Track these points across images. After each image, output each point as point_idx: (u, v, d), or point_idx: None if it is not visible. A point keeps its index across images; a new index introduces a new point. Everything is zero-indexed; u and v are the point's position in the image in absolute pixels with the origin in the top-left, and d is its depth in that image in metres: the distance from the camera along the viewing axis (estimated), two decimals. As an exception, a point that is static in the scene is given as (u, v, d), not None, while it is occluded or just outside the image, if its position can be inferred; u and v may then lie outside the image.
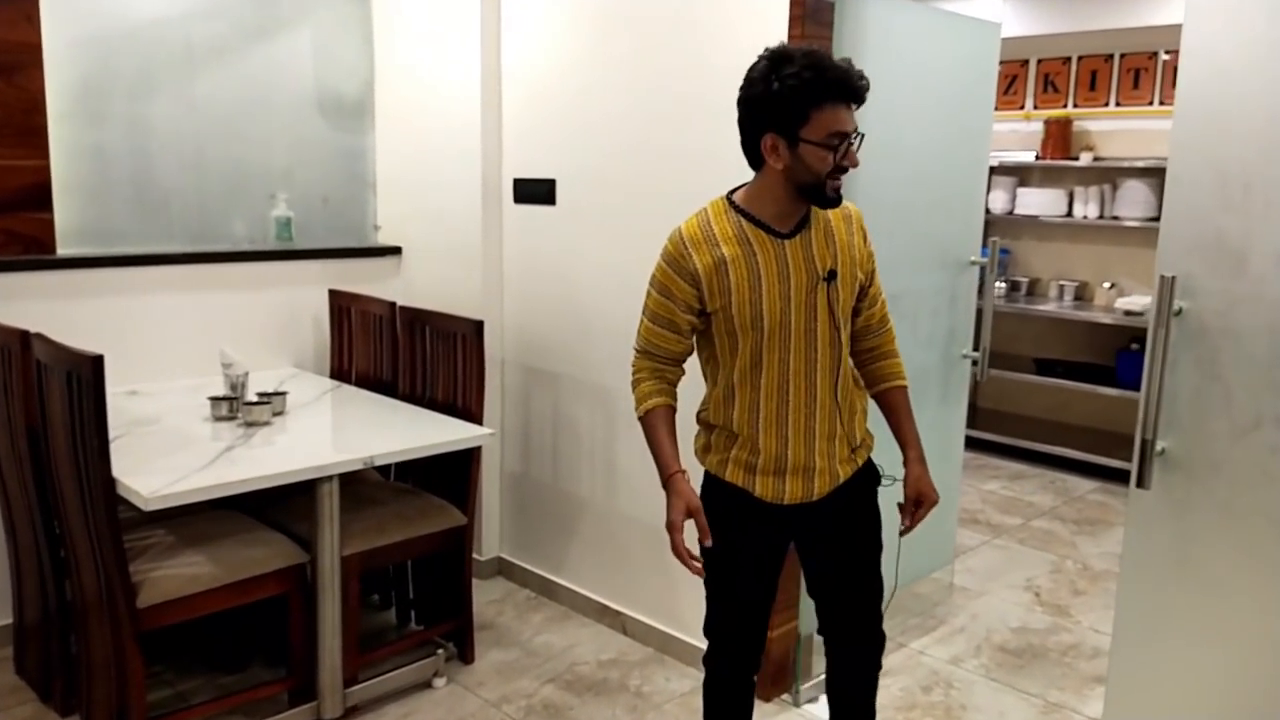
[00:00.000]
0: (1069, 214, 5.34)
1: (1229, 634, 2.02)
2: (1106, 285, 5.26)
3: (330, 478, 2.39)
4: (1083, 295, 5.45)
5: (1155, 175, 5.05)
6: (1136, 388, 4.85)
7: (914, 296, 2.92)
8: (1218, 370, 2.00)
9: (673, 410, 1.90)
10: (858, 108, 1.74)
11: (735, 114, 2.84)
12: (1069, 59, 5.41)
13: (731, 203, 1.84)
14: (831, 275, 1.80)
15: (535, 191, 3.28)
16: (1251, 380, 1.96)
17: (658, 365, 1.90)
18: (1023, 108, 5.61)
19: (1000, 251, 5.76)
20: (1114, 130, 5.29)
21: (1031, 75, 5.57)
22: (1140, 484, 2.09)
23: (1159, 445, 2.08)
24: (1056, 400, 5.51)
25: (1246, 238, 1.95)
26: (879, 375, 1.99)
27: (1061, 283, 5.46)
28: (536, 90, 3.23)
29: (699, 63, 2.75)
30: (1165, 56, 5.06)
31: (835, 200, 1.78)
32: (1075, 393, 5.19)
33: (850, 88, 1.70)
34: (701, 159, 2.78)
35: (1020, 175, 5.61)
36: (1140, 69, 5.15)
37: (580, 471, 3.29)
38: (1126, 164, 5.10)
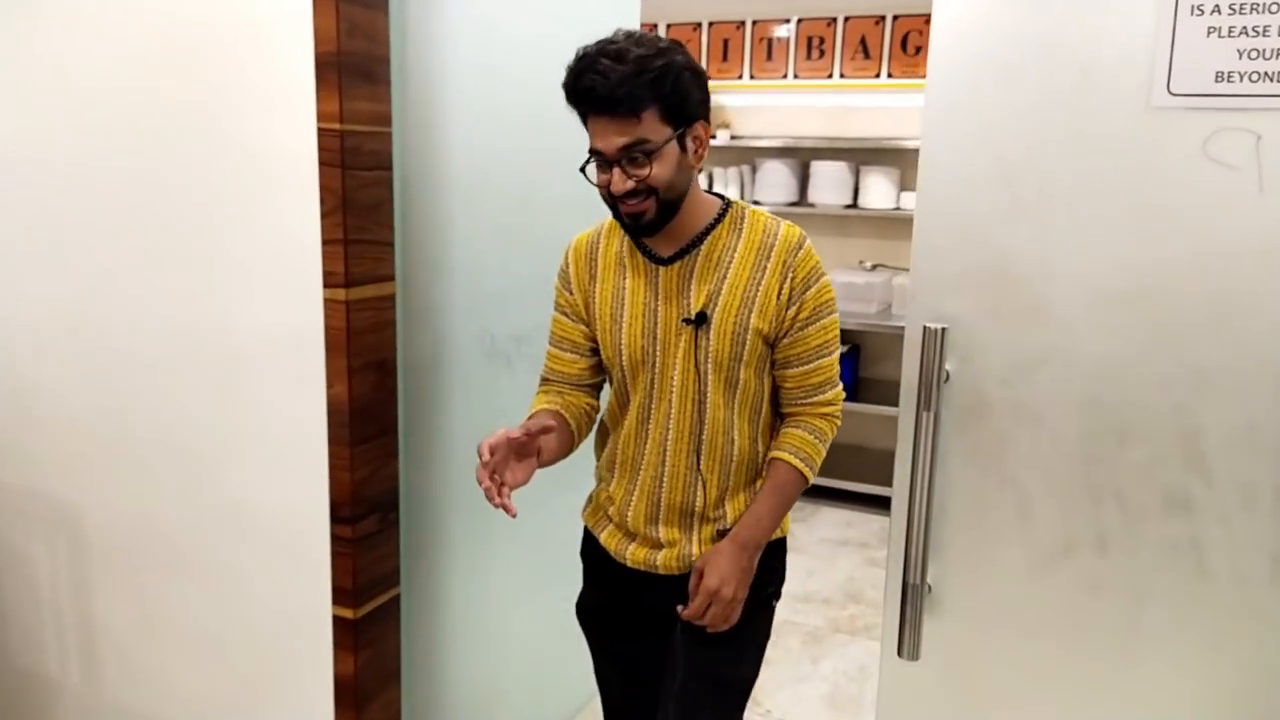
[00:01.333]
0: (710, 198, 4.82)
1: None
2: (752, 276, 4.81)
3: None
4: (728, 287, 4.97)
5: (793, 156, 4.66)
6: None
7: (543, 337, 2.02)
8: (1007, 468, 1.30)
9: (558, 414, 1.54)
10: (622, 117, 1.33)
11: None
12: (700, 25, 4.86)
13: None
14: (700, 318, 1.45)
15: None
16: (1060, 482, 1.27)
17: (551, 387, 1.61)
18: (655, 78, 4.99)
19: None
20: (749, 106, 4.84)
21: (662, 41, 4.96)
22: (903, 651, 1.35)
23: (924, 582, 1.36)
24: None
25: (1044, 263, 1.25)
26: (774, 444, 1.54)
27: (706, 274, 4.95)
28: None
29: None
30: (796, 25, 4.67)
31: (633, 229, 1.44)
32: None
33: (578, 97, 1.36)
34: (199, 118, 1.66)
35: (657, 154, 4.99)
36: (772, 39, 4.73)
37: (44, 638, 2.02)
38: (764, 143, 4.66)
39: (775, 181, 4.64)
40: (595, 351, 1.56)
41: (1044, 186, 1.24)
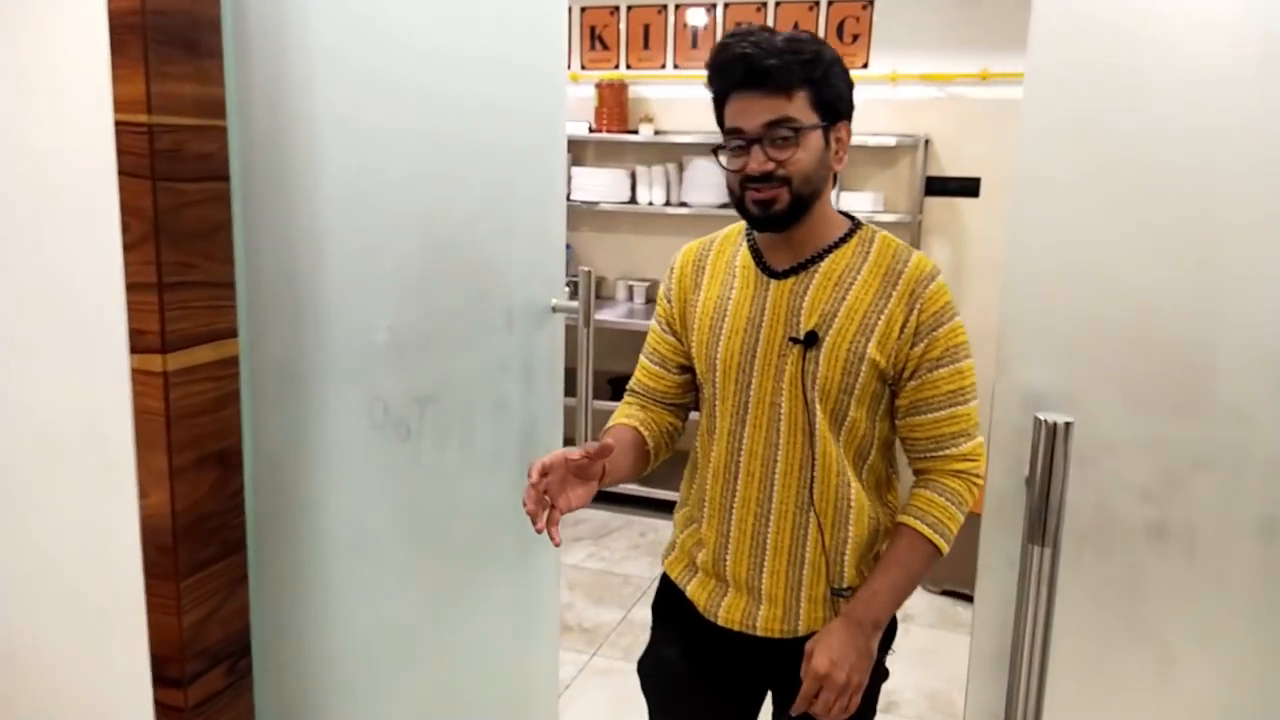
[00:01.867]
0: (633, 199, 4.39)
1: None
2: (681, 284, 4.40)
3: None
4: (654, 296, 4.54)
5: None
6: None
7: (458, 393, 1.54)
8: (1147, 614, 0.92)
9: (635, 431, 1.44)
10: (771, 93, 1.26)
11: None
12: (617, 8, 4.42)
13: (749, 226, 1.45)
14: (810, 339, 1.32)
15: None
16: (1223, 636, 0.88)
17: (635, 400, 1.51)
18: (569, 67, 4.53)
19: (555, 245, 4.70)
20: (674, 98, 4.42)
21: (575, 25, 4.50)
22: None
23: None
24: (635, 423, 4.58)
25: (1204, 318, 0.85)
26: (902, 508, 1.39)
27: (630, 282, 4.52)
28: None
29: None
30: (723, 9, 4.26)
31: (761, 219, 1.32)
32: (658, 417, 4.27)
33: (726, 67, 1.28)
34: None
35: (574, 151, 4.53)
36: (697, 25, 4.32)
37: None
38: (691, 139, 4.25)
39: (704, 182, 4.23)
40: (683, 369, 1.48)
41: (1203, 204, 0.84)
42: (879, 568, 1.34)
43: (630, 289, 4.50)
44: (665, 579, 1.50)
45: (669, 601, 1.49)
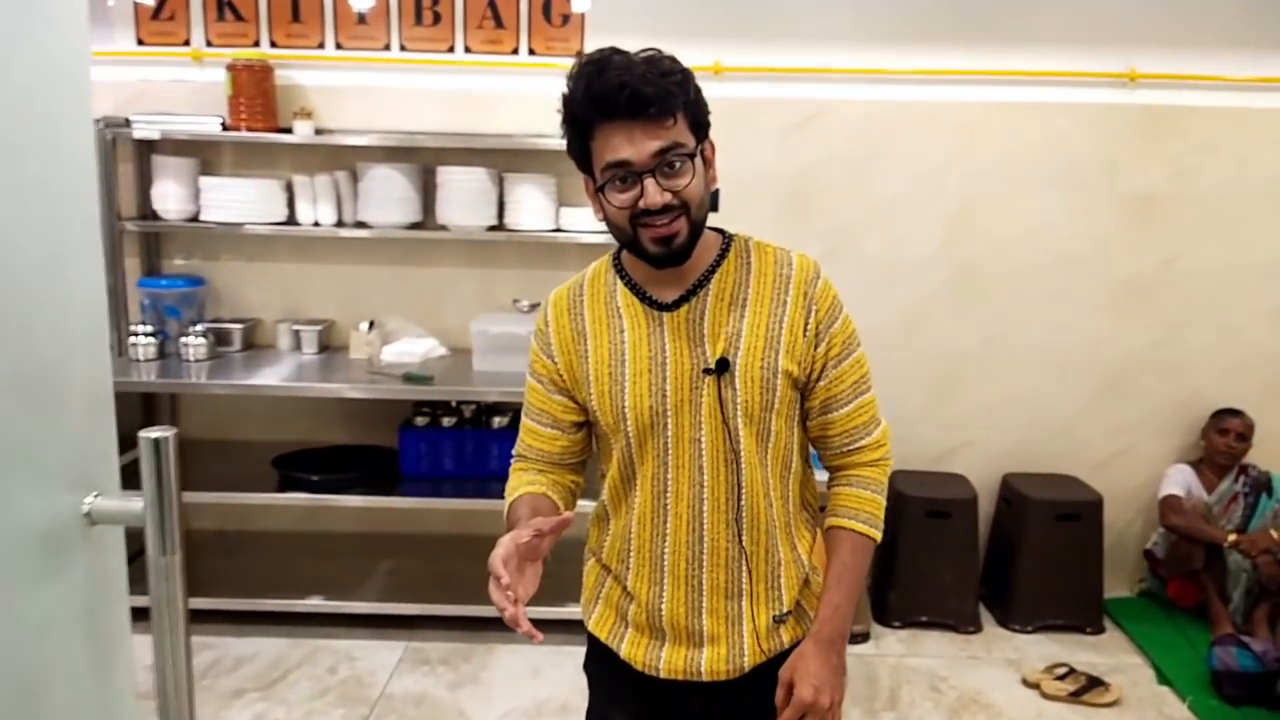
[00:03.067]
0: (292, 219, 3.35)
1: None
2: (364, 327, 3.42)
3: None
4: (331, 343, 3.53)
5: (410, 159, 3.36)
6: (424, 485, 3.23)
7: None
8: None
9: (548, 499, 1.40)
10: (656, 119, 1.23)
11: None
12: (255, -33, 3.34)
13: (615, 260, 1.44)
14: (722, 366, 1.33)
15: None
16: None
17: (528, 465, 1.46)
18: (189, 43, 3.38)
19: (188, 282, 3.50)
20: (340, 87, 3.43)
21: (195, -13, 3.36)
22: None
23: None
24: (307, 511, 3.55)
25: None
26: (828, 508, 1.45)
27: (296, 327, 3.46)
28: None
29: None
30: (400, -23, 3.34)
31: (662, 257, 1.30)
32: (343, 507, 3.26)
33: (605, 97, 1.23)
34: None
35: (204, 156, 3.39)
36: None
37: None
38: (365, 140, 3.30)
39: (387, 195, 3.30)
40: (579, 426, 1.43)
41: None
42: (831, 580, 1.36)
43: (297, 336, 3.45)
44: (593, 640, 1.48)
45: (603, 662, 1.46)
